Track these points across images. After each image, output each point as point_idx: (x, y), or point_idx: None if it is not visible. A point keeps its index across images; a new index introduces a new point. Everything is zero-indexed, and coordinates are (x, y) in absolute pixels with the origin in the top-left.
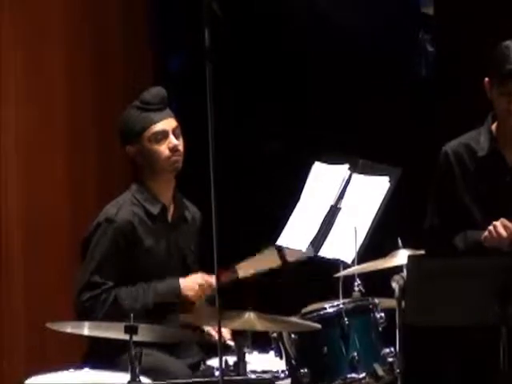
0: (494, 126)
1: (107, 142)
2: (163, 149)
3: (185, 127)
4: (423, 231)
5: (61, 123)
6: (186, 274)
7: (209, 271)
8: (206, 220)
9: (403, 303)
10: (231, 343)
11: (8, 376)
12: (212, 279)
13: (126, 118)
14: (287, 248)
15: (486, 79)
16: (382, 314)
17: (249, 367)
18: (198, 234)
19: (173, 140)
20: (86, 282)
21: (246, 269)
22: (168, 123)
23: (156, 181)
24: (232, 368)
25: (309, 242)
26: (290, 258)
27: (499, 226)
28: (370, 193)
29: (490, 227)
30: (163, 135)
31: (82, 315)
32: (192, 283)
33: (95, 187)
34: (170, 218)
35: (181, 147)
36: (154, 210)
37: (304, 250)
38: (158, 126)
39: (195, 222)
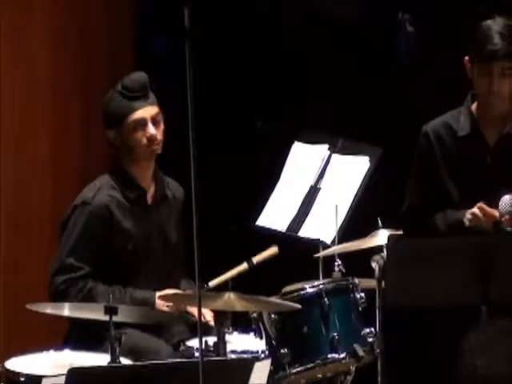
0: (474, 106)
1: (91, 121)
2: (141, 137)
3: (168, 107)
4: (403, 211)
5: (45, 98)
6: (167, 255)
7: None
8: (187, 198)
9: (383, 283)
10: (212, 323)
11: None
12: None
13: (108, 103)
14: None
15: (466, 58)
16: (362, 294)
17: (229, 347)
18: (180, 211)
19: (151, 129)
20: (61, 264)
21: (217, 280)
22: (147, 111)
23: (134, 165)
24: (212, 348)
25: (288, 222)
26: (256, 260)
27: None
28: (349, 173)
29: (475, 210)
30: (142, 123)
31: (55, 297)
32: (166, 300)
33: (78, 169)
34: (149, 199)
35: (159, 136)
36: (132, 194)
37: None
38: (137, 114)
39: (177, 200)
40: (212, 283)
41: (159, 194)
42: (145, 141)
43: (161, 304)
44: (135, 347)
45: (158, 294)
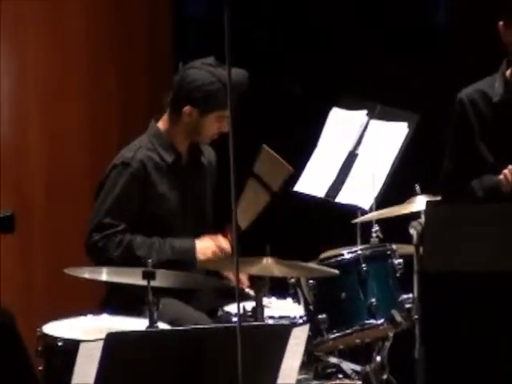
0: (508, 72)
1: (128, 85)
2: (215, 129)
3: None
4: (439, 177)
5: (82, 68)
6: (201, 220)
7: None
8: (221, 164)
9: (421, 249)
10: (250, 291)
11: (27, 322)
12: (225, 244)
13: (208, 87)
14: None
15: (501, 23)
16: (400, 260)
17: (266, 313)
18: (214, 176)
19: (226, 127)
20: (98, 222)
21: (245, 217)
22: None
23: (176, 133)
24: (250, 314)
25: (327, 188)
26: (275, 188)
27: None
28: (387, 139)
29: (505, 171)
30: (223, 120)
31: (95, 255)
32: (205, 248)
33: (116, 135)
34: (185, 164)
35: None
36: (169, 157)
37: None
38: (227, 112)
39: (212, 165)
40: (243, 224)
41: (194, 159)
42: (215, 132)
43: (200, 251)
44: (172, 316)
45: (197, 241)
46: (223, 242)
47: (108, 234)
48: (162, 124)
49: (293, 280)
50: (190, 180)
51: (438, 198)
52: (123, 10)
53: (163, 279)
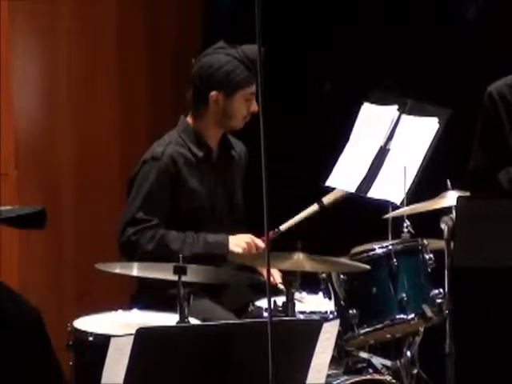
0: None
1: (158, 79)
2: (244, 109)
3: None
4: (468, 172)
5: (112, 56)
6: (232, 214)
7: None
8: (253, 159)
9: (452, 244)
10: (281, 286)
11: (58, 317)
12: (259, 241)
13: (226, 67)
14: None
15: None
16: (431, 255)
17: (297, 308)
18: (244, 170)
19: (256, 106)
20: (131, 217)
21: (288, 221)
22: (254, 87)
23: (207, 126)
24: (280, 309)
25: (358, 183)
26: (327, 201)
27: None
28: (419, 134)
29: None
30: (251, 98)
31: (128, 250)
32: (239, 240)
33: (146, 132)
34: (215, 158)
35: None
36: (199, 152)
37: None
38: (253, 88)
39: (242, 160)
40: (283, 227)
41: (224, 153)
42: (245, 113)
43: (233, 243)
44: (201, 316)
45: (231, 237)
46: (256, 239)
47: (141, 228)
48: (190, 119)
49: (324, 275)
50: (220, 174)
51: (469, 194)
52: (153, 9)
53: (194, 274)
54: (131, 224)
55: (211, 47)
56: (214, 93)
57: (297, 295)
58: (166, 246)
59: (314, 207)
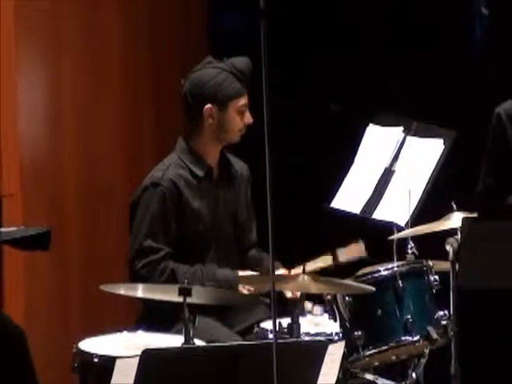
0: None
1: (162, 96)
2: (239, 121)
3: None
4: (475, 192)
5: (117, 85)
6: (237, 232)
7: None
8: (256, 177)
9: (457, 266)
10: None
11: (63, 339)
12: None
13: (216, 79)
14: (342, 250)
15: None
16: (436, 277)
17: (302, 329)
18: (248, 188)
19: (250, 118)
20: (139, 247)
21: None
22: (247, 98)
23: (205, 143)
24: (285, 330)
25: (362, 205)
26: (342, 259)
27: None
28: (424, 155)
29: None
30: (244, 109)
31: (137, 282)
32: (247, 281)
33: (152, 149)
34: (215, 177)
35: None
36: (200, 171)
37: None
38: (245, 99)
39: (243, 177)
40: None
41: (224, 171)
42: (241, 126)
43: (242, 288)
44: (206, 338)
45: (240, 273)
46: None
47: (150, 261)
48: (188, 139)
49: (329, 296)
50: (222, 192)
51: (474, 215)
52: (158, 29)
53: (199, 296)
54: (140, 254)
55: (200, 63)
56: (207, 106)
57: (307, 304)
58: (176, 280)
59: (329, 261)
